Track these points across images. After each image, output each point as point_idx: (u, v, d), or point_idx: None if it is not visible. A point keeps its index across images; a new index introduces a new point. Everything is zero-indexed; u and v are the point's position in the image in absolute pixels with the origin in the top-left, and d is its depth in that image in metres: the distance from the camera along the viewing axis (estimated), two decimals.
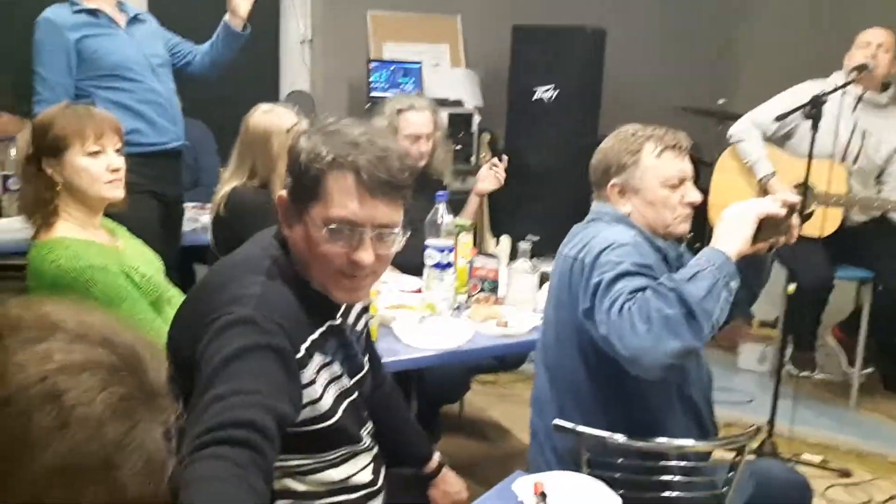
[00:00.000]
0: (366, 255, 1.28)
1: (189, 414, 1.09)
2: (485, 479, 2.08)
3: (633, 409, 1.79)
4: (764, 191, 3.49)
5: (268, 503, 1.07)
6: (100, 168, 1.89)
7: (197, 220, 3.40)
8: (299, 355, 1.27)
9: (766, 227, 1.71)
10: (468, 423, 3.48)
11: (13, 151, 3.45)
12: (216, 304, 1.23)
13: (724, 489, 1.76)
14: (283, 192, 1.33)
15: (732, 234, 1.67)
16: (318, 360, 1.32)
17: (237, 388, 1.10)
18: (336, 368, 1.38)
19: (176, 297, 2.04)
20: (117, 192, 1.95)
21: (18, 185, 2.85)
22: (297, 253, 1.33)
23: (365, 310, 1.58)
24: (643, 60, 5.06)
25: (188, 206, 3.39)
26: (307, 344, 1.30)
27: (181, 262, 3.17)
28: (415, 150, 2.89)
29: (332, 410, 1.35)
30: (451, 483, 1.77)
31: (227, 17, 3.17)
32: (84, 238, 1.87)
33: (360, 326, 1.53)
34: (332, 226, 1.26)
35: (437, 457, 1.79)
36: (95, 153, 1.89)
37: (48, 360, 0.60)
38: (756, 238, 1.70)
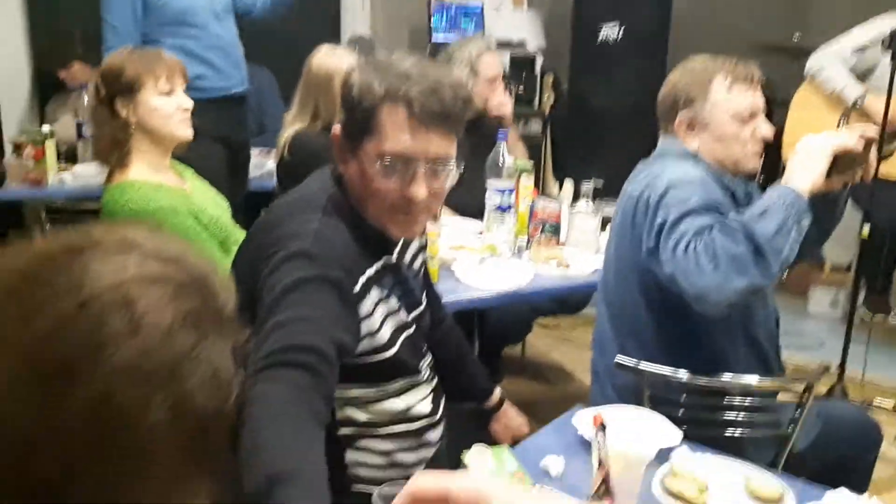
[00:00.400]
0: (419, 190, 1.27)
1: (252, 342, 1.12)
2: (545, 419, 2.09)
3: (696, 346, 1.77)
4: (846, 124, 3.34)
5: (327, 425, 1.10)
6: (171, 107, 1.94)
7: (263, 165, 3.45)
8: (356, 289, 1.29)
9: (842, 162, 1.64)
10: (530, 365, 3.51)
11: (86, 99, 3.55)
12: (275, 239, 1.25)
13: (790, 428, 1.73)
14: (337, 129, 1.33)
15: (806, 169, 1.61)
16: (374, 294, 1.34)
17: (298, 315, 1.13)
18: (393, 303, 1.40)
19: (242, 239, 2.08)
20: (188, 132, 2.00)
21: (92, 131, 2.96)
22: (353, 189, 1.33)
23: (422, 249, 1.59)
24: None
25: (254, 151, 3.44)
26: (364, 279, 1.31)
27: (247, 207, 3.24)
28: (499, 93, 2.84)
29: (390, 343, 1.37)
30: (511, 417, 1.79)
31: None
32: (155, 181, 1.93)
33: (416, 265, 1.54)
34: (386, 161, 1.26)
35: (497, 392, 1.81)
36: (167, 93, 1.94)
37: (123, 271, 0.63)
38: (830, 174, 1.64)
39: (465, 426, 1.74)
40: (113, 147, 1.94)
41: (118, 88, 1.91)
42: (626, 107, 4.57)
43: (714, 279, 1.52)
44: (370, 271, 1.34)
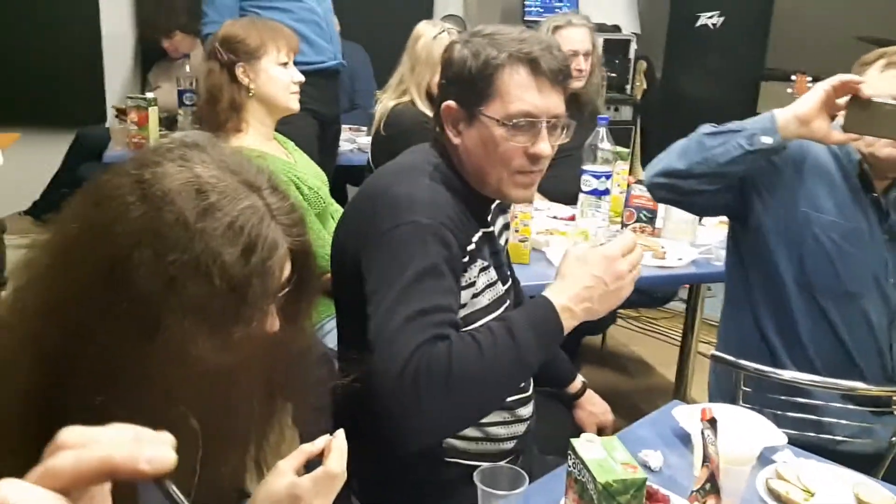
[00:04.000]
0: (545, 146, 1.30)
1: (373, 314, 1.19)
2: (626, 412, 2.06)
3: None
4: None
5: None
6: (288, 78, 1.97)
7: (354, 141, 3.48)
8: (465, 259, 1.30)
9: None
10: (609, 357, 3.45)
11: (188, 68, 3.64)
12: (386, 207, 1.26)
13: (893, 439, 1.65)
14: (451, 102, 1.33)
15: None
16: (479, 263, 1.35)
17: (434, 304, 1.18)
18: (493, 274, 1.40)
19: (338, 211, 2.10)
20: (297, 105, 2.04)
21: (193, 100, 3.02)
22: (467, 159, 1.34)
23: (506, 226, 1.59)
24: None
25: (344, 128, 3.47)
26: (472, 247, 1.33)
27: (335, 183, 3.27)
28: (573, 66, 2.79)
29: (487, 313, 1.37)
30: (596, 404, 1.78)
31: None
32: (262, 149, 1.96)
33: (502, 241, 1.55)
34: (513, 122, 1.28)
35: (580, 378, 1.79)
36: (283, 64, 1.97)
37: (191, 172, 0.79)
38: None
39: (551, 412, 1.73)
40: (230, 111, 1.96)
41: (240, 54, 1.94)
42: (722, 97, 4.43)
43: None
44: (475, 239, 1.35)
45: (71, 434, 0.44)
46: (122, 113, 3.25)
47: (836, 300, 1.69)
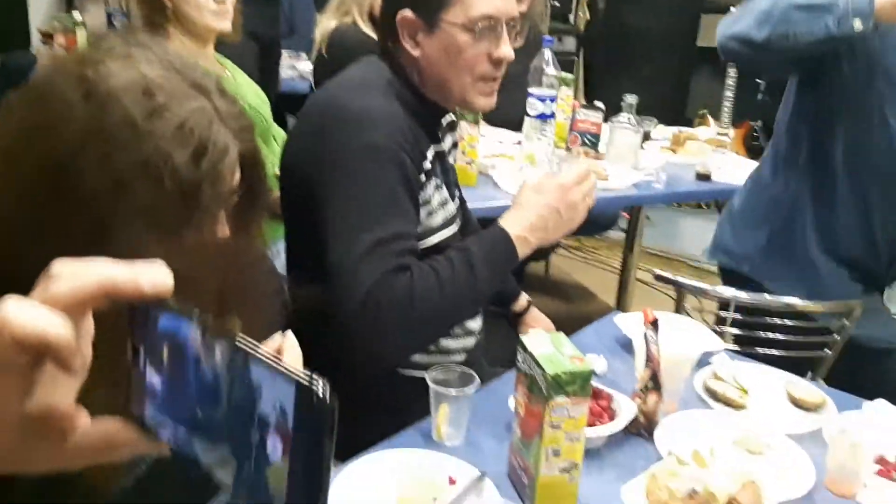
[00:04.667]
0: (507, 49, 1.31)
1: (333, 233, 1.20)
2: (569, 334, 2.10)
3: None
4: None
5: None
6: None
7: (294, 67, 3.39)
8: (422, 177, 1.30)
9: None
10: (552, 285, 3.52)
11: None
12: (339, 122, 1.23)
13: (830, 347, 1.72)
14: (407, 12, 1.30)
15: None
16: (433, 181, 1.35)
17: (393, 232, 1.20)
18: (445, 192, 1.40)
19: (280, 134, 2.06)
20: (224, 24, 1.95)
21: (124, 22, 2.91)
22: (429, 70, 1.32)
23: (454, 145, 1.58)
24: None
25: (284, 53, 3.38)
26: (427, 165, 1.32)
27: (276, 112, 3.20)
28: None
29: (439, 230, 1.38)
30: (539, 320, 1.82)
31: None
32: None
33: (451, 159, 1.54)
34: (476, 26, 1.27)
35: (525, 297, 1.82)
36: None
37: (137, 70, 0.75)
38: None
39: (498, 326, 1.77)
40: (150, 31, 1.90)
41: None
42: (662, 29, 4.46)
43: None
44: (430, 157, 1.34)
45: (64, 263, 0.43)
46: (47, 37, 3.10)
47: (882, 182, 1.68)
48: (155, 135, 0.74)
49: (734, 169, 2.42)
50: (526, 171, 2.25)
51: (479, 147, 2.20)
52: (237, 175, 0.83)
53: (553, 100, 2.34)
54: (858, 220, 1.72)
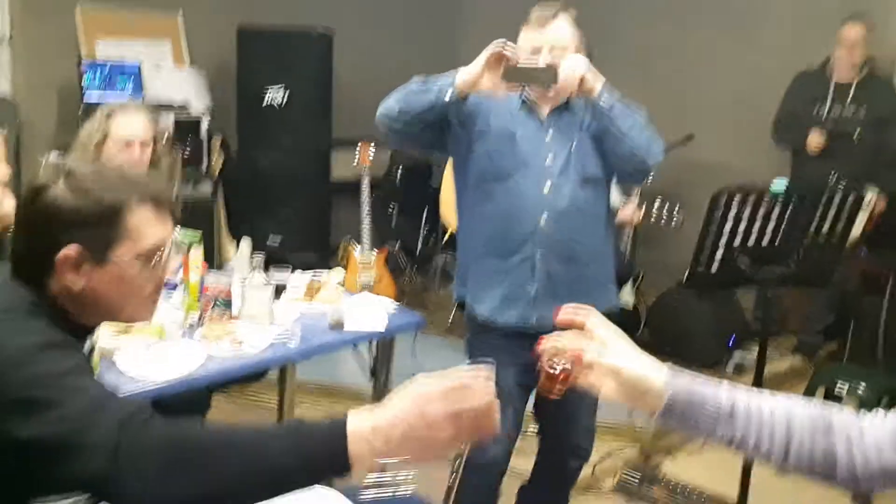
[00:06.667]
0: (172, 265, 1.37)
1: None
2: None
3: None
4: None
5: None
6: None
7: None
8: None
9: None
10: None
11: None
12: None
13: None
14: (69, 251, 1.25)
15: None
16: None
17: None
18: None
19: None
20: None
21: None
22: (95, 299, 1.28)
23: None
24: (371, 61, 5.17)
25: None
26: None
27: None
28: (126, 157, 2.71)
29: None
30: None
31: None
32: None
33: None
34: (149, 257, 1.29)
35: None
36: None
37: None
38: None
39: None
40: None
41: None
42: (296, 167, 4.70)
43: None
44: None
45: None
46: None
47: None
48: None
49: (366, 314, 2.57)
50: (155, 347, 2.18)
51: (98, 330, 2.08)
52: None
53: (178, 269, 2.31)
54: None
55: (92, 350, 1.44)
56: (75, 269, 1.28)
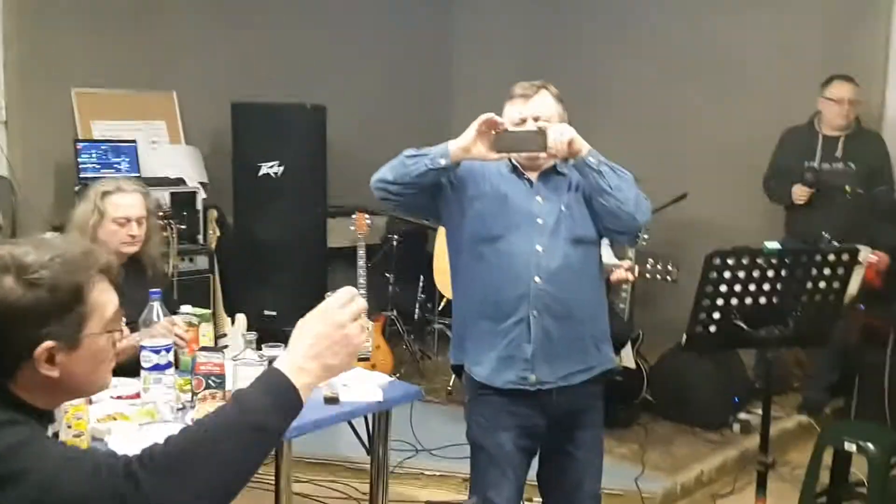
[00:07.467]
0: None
1: None
2: None
3: None
4: None
5: None
6: None
7: None
8: None
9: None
10: None
11: None
12: None
13: None
14: (41, 350, 1.20)
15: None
16: None
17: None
18: None
19: None
20: None
21: None
22: (70, 382, 1.26)
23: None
24: (363, 133, 5.23)
25: None
26: None
27: None
28: (124, 234, 2.72)
29: None
30: None
31: None
32: None
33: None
34: (113, 324, 1.30)
35: None
36: None
37: None
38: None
39: None
40: None
41: None
42: (292, 238, 4.70)
43: None
44: None
45: None
46: None
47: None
48: None
49: (361, 386, 2.54)
50: (147, 429, 2.14)
51: (89, 415, 2.05)
52: None
53: (169, 349, 2.29)
54: None
55: (55, 435, 1.40)
56: (50, 361, 1.24)
